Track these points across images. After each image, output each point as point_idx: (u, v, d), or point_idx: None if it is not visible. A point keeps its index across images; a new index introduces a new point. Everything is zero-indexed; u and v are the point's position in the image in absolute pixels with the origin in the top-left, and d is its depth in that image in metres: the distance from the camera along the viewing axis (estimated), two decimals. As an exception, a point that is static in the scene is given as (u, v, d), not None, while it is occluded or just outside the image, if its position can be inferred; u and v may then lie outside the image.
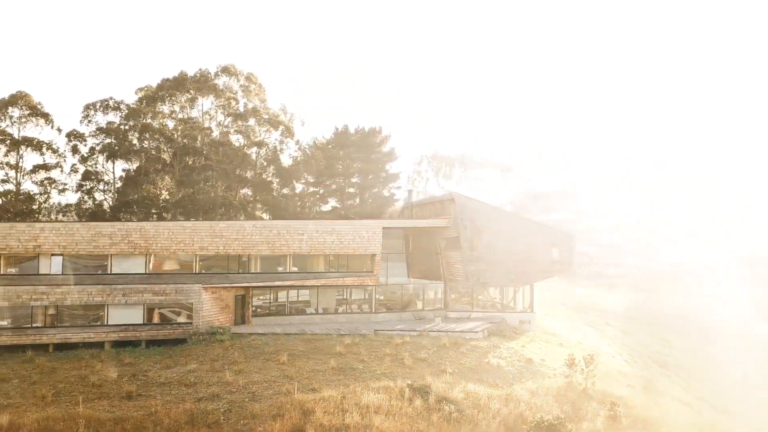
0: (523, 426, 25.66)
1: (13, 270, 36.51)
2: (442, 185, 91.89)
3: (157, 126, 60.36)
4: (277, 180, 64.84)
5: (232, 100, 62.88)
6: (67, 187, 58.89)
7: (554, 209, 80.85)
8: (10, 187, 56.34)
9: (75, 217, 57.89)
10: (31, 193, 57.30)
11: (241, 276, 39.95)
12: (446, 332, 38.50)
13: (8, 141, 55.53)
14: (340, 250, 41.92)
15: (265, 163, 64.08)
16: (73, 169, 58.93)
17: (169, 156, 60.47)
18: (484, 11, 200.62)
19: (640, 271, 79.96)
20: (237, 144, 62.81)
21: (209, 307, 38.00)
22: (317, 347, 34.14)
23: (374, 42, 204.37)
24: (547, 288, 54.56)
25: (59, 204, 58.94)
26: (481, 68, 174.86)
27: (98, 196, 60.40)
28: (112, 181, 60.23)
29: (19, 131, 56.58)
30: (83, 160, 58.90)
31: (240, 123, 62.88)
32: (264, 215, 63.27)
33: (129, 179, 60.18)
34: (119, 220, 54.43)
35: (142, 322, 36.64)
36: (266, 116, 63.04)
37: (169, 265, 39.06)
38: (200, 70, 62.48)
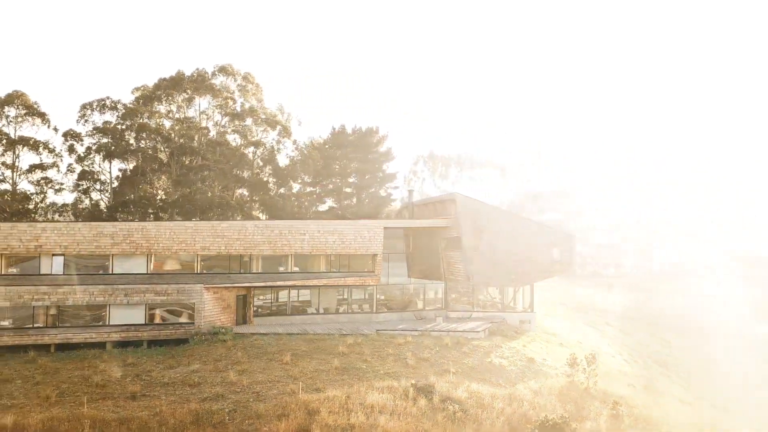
0: (527, 425, 25.75)
1: (14, 270, 36.42)
2: (438, 185, 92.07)
3: (154, 126, 60.26)
4: (274, 180, 64.86)
5: (229, 100, 62.85)
6: (63, 186, 58.74)
7: (552, 209, 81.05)
8: (6, 186, 56.16)
9: (71, 217, 57.75)
10: (28, 192, 57.15)
11: (243, 276, 39.94)
12: (448, 332, 38.59)
13: (4, 140, 55.36)
14: (341, 250, 41.97)
15: (261, 163, 64.06)
16: (70, 169, 58.76)
17: (166, 156, 60.38)
18: (484, 11, 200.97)
19: (639, 271, 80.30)
20: (234, 144, 62.79)
21: (211, 307, 37.96)
22: (320, 347, 34.18)
23: (374, 42, 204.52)
24: (546, 288, 54.73)
25: (55, 204, 58.79)
26: (481, 68, 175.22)
27: (95, 195, 60.29)
28: (108, 181, 60.11)
29: (15, 131, 56.41)
30: (80, 159, 58.72)
31: (237, 123, 62.88)
32: (261, 215, 63.27)
33: (126, 179, 60.06)
34: (116, 220, 54.31)
35: (143, 323, 36.57)
36: (263, 116, 63.05)
37: (171, 265, 39.02)
38: (197, 69, 62.44)
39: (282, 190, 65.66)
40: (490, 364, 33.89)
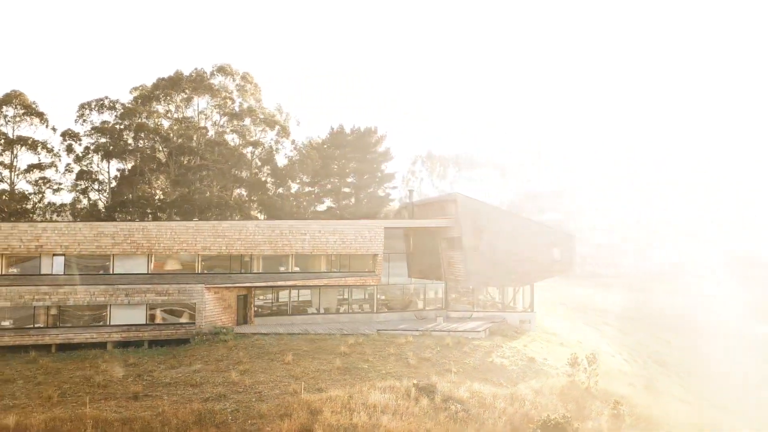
0: (529, 425, 25.76)
1: (14, 270, 36.37)
2: (436, 185, 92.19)
3: (153, 125, 60.24)
4: (272, 180, 64.89)
5: (227, 100, 62.89)
6: (61, 186, 58.77)
7: (551, 209, 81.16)
8: (5, 186, 56.11)
9: (69, 217, 57.73)
10: (26, 192, 57.08)
11: (244, 276, 39.95)
12: (449, 332, 38.64)
13: (2, 140, 55.35)
14: (342, 250, 42.00)
15: (259, 163, 64.07)
16: (68, 169, 58.78)
17: (165, 156, 60.38)
18: (484, 11, 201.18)
19: (639, 271, 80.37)
20: (232, 144, 62.81)
21: (212, 307, 37.96)
22: (321, 347, 34.19)
23: (374, 42, 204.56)
24: (546, 288, 54.81)
25: (53, 204, 58.74)
26: (481, 68, 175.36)
27: (93, 195, 60.30)
28: (107, 181, 60.05)
29: (13, 130, 56.38)
30: (78, 159, 58.69)
31: (236, 123, 62.95)
32: (259, 215, 63.31)
33: (124, 179, 60.07)
34: (114, 220, 54.29)
35: (144, 323, 36.56)
36: (262, 116, 63.11)
37: (172, 265, 39.01)
38: (196, 69, 62.49)
39: (280, 190, 65.72)
40: (491, 364, 33.93)
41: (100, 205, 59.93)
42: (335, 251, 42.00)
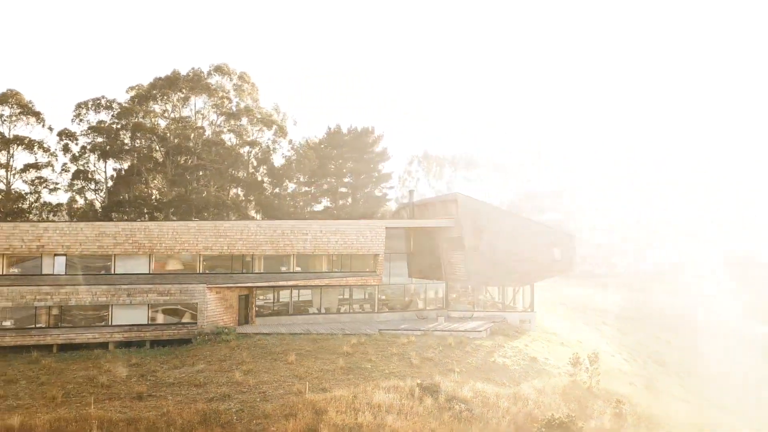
0: (534, 424, 25.87)
1: (15, 270, 36.27)
2: (432, 185, 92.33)
3: (149, 125, 60.14)
4: (269, 179, 64.87)
5: (224, 100, 62.86)
6: (58, 186, 58.70)
7: (550, 209, 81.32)
8: (1, 186, 55.93)
9: (66, 217, 57.60)
10: (22, 192, 56.93)
11: (245, 276, 39.93)
12: (450, 331, 38.71)
13: (-2, 140, 55.14)
14: (343, 250, 42.03)
15: (256, 163, 64.03)
16: (64, 169, 58.70)
17: (162, 155, 60.29)
18: (484, 11, 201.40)
19: (638, 271, 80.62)
20: (229, 143, 62.76)
21: (214, 307, 37.95)
22: (324, 347, 34.21)
23: (373, 42, 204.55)
24: (545, 288, 54.96)
25: (50, 204, 58.62)
26: (481, 68, 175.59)
27: (89, 195, 60.23)
28: (103, 181, 59.92)
29: (9, 130, 56.26)
30: (74, 159, 58.60)
31: (233, 122, 62.94)
32: (256, 215, 63.33)
33: (120, 179, 59.97)
34: (111, 219, 54.21)
35: (146, 323, 36.51)
36: (259, 116, 63.13)
37: (173, 265, 38.96)
38: (193, 69, 62.46)
39: (277, 190, 65.72)
40: (493, 364, 34.03)
41: (97, 204, 59.82)
42: (336, 251, 42.03)
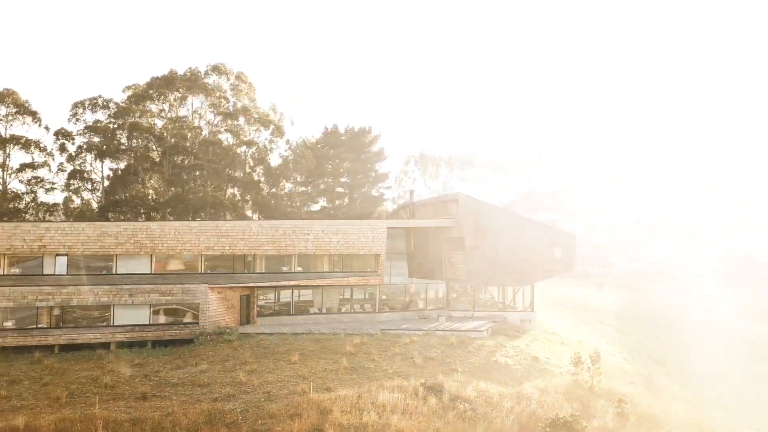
0: (538, 424, 25.97)
1: (17, 270, 36.17)
2: (429, 185, 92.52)
3: (146, 125, 59.97)
4: (266, 179, 64.82)
5: (222, 99, 62.78)
6: (54, 186, 58.48)
7: (550, 209, 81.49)
8: (-4, 186, 55.73)
9: (62, 217, 57.45)
10: (18, 192, 56.72)
11: (247, 276, 39.91)
12: (452, 331, 38.77)
13: (-6, 139, 54.92)
14: (345, 250, 42.04)
15: (252, 162, 63.97)
16: (61, 168, 58.47)
17: (159, 155, 60.18)
18: (484, 11, 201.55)
19: (637, 271, 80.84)
20: (226, 143, 62.67)
21: (215, 307, 37.93)
22: (326, 347, 34.24)
23: (373, 42, 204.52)
24: (544, 288, 55.06)
25: (46, 203, 58.45)
26: (482, 68, 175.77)
27: (86, 195, 59.98)
28: (100, 180, 59.76)
29: (5, 129, 56.05)
30: (71, 158, 58.39)
31: (230, 122, 62.85)
32: (253, 215, 63.28)
33: (117, 178, 59.77)
34: (108, 219, 54.06)
35: (148, 323, 36.46)
36: (256, 115, 63.05)
37: (175, 265, 38.91)
38: (190, 68, 62.32)
39: (274, 190, 65.69)
40: (495, 363, 34.13)
41: (93, 204, 59.63)
42: (338, 251, 42.05)
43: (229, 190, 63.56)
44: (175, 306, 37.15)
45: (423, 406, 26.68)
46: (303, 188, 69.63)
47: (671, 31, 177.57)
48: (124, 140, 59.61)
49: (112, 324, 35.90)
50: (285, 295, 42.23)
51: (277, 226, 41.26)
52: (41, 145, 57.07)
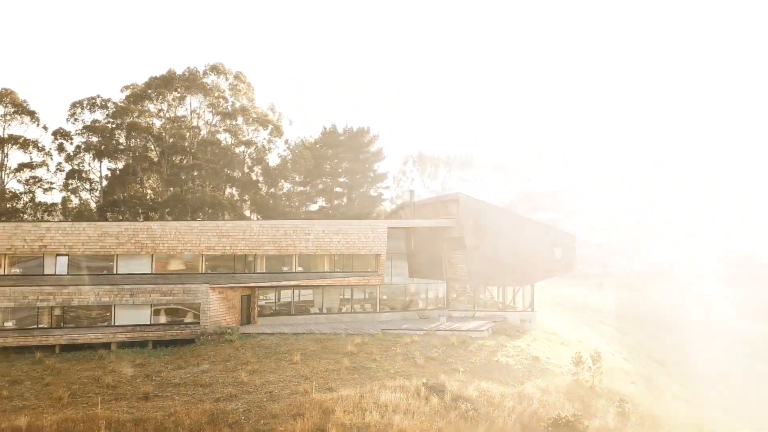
0: (540, 423, 26.02)
1: (17, 270, 36.13)
2: (427, 185, 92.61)
3: (145, 125, 59.93)
4: (264, 179, 64.80)
5: (220, 99, 62.76)
6: (53, 186, 58.42)
7: (549, 209, 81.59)
8: (-5, 185, 55.66)
9: (61, 217, 57.40)
10: (16, 192, 56.67)
11: (248, 276, 39.90)
12: (453, 331, 38.81)
13: (-8, 139, 54.88)
14: (345, 250, 42.06)
15: (251, 162, 63.95)
16: (59, 168, 58.46)
17: (157, 155, 60.14)
18: (484, 11, 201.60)
19: (637, 271, 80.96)
20: (225, 143, 62.65)
21: (216, 307, 37.92)
22: (328, 347, 34.25)
23: (373, 42, 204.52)
24: (543, 287, 55.14)
25: (44, 203, 58.42)
26: (482, 68, 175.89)
27: (84, 195, 59.92)
28: (98, 180, 59.71)
29: (3, 129, 56.05)
30: (69, 158, 58.35)
31: (228, 122, 62.84)
32: (252, 215, 63.24)
33: (115, 178, 59.74)
34: (106, 219, 54.02)
35: (149, 323, 36.44)
36: (254, 115, 63.06)
37: (175, 265, 38.88)
38: (189, 68, 62.30)
39: (272, 190, 65.69)
40: (497, 363, 34.17)
41: (92, 204, 59.57)
42: (338, 251, 42.06)
43: (228, 190, 63.54)
44: (176, 306, 37.13)
45: (425, 405, 26.70)
46: (301, 188, 69.66)
47: (671, 31, 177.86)
48: (122, 140, 59.59)
49: (113, 324, 35.86)
50: (286, 295, 42.22)
51: (278, 226, 41.26)
52: (39, 145, 57.08)
